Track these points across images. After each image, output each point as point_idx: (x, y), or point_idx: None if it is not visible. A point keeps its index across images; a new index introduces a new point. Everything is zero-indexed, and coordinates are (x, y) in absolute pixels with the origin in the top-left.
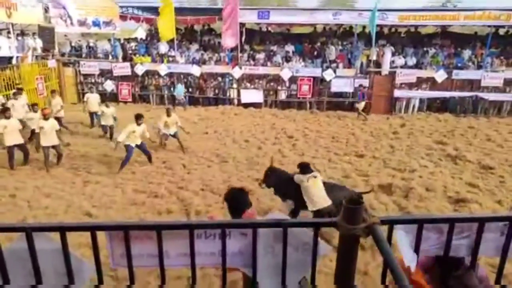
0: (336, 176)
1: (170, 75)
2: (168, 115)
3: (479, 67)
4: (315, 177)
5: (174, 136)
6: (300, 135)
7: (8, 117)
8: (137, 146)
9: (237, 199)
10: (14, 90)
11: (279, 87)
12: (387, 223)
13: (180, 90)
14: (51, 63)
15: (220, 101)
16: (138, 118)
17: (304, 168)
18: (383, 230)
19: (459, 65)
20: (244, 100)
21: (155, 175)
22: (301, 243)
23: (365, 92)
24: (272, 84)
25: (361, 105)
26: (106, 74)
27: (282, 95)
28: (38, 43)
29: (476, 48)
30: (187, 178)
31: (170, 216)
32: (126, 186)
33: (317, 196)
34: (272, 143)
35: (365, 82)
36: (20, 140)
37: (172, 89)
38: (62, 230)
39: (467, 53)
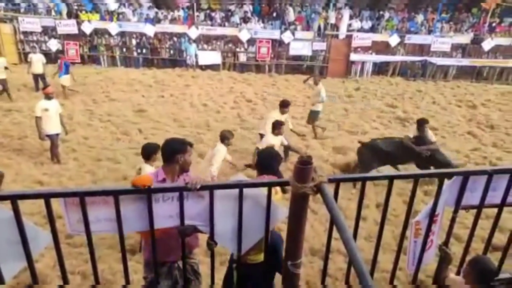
0: (293, 139)
1: (121, 34)
2: (282, 112)
3: (430, 32)
4: None
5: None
6: (259, 99)
7: None
8: None
9: (265, 159)
10: None
11: (237, 49)
12: (334, 181)
13: (191, 50)
14: None
15: (177, 62)
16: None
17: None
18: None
19: (412, 29)
20: (201, 62)
21: (110, 141)
22: (262, 208)
23: (69, 63)
24: (230, 45)
25: (65, 80)
26: (50, 32)
27: (242, 57)
28: None
29: (428, 13)
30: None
31: (127, 182)
32: (80, 153)
33: None
34: (230, 107)
35: (323, 46)
36: None
37: (143, 50)
38: (14, 198)
39: (420, 18)
